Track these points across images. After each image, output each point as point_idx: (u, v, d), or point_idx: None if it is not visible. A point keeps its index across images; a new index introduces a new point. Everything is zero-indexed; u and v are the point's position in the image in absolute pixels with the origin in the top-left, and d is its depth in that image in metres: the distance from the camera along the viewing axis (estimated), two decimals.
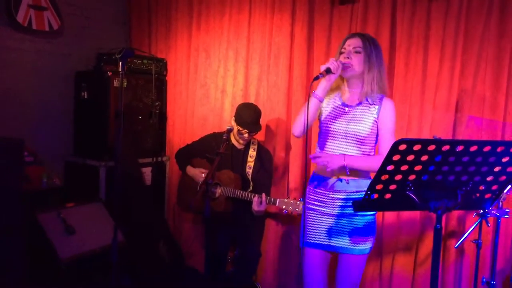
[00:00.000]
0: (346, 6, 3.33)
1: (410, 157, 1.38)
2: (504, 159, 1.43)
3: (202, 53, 4.00)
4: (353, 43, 2.26)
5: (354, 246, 2.26)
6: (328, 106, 2.35)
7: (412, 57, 3.10)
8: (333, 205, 2.29)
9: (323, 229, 2.30)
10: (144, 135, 4.08)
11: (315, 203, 2.34)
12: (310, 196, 2.39)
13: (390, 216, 3.19)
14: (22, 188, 2.97)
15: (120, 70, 2.39)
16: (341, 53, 2.31)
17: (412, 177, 1.45)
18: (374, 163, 2.17)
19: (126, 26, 4.55)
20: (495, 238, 2.37)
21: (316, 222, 2.33)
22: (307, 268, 2.35)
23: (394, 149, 1.35)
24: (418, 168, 1.42)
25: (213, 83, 3.96)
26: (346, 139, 2.26)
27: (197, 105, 4.03)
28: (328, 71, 2.19)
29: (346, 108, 2.29)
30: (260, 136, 3.53)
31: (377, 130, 2.27)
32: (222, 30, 3.88)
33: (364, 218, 2.24)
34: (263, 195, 2.98)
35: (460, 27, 2.93)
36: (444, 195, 1.50)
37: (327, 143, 2.32)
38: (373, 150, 2.32)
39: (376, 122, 2.25)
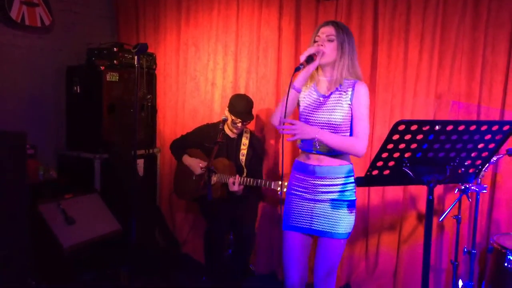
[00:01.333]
0: (331, 2, 3.52)
1: (407, 136, 1.58)
2: (487, 137, 1.65)
3: (192, 47, 4.13)
4: (327, 31, 2.29)
5: (333, 230, 2.28)
6: (305, 97, 2.37)
7: (393, 49, 3.32)
8: (314, 190, 2.32)
9: (304, 213, 2.35)
10: (136, 128, 4.18)
11: (297, 188, 2.39)
12: (293, 182, 2.44)
13: (375, 197, 3.42)
14: (26, 180, 3.06)
15: (136, 64, 2.52)
16: (315, 41, 2.33)
17: (408, 154, 1.65)
18: (344, 142, 2.22)
19: (113, 21, 4.63)
20: (475, 211, 2.62)
21: (298, 206, 2.37)
22: (287, 250, 2.40)
23: (394, 129, 1.55)
24: (413, 146, 1.62)
25: (203, 76, 4.10)
26: (324, 128, 2.26)
27: (188, 98, 4.17)
28: (309, 59, 2.20)
29: (321, 98, 2.31)
30: (251, 125, 3.70)
31: (352, 113, 2.27)
32: (211, 25, 4.02)
33: (344, 203, 2.29)
34: (237, 176, 3.20)
35: (437, 20, 3.16)
36: (435, 170, 1.71)
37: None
38: (348, 133, 2.30)
39: (350, 106, 2.26)
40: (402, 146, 1.62)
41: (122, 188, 3.97)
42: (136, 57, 2.51)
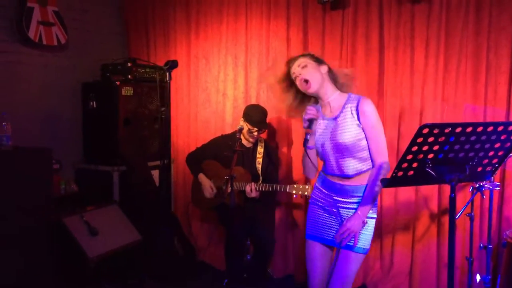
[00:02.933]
0: (337, 12, 3.66)
1: (431, 139, 1.70)
2: (503, 137, 1.77)
3: (202, 59, 4.27)
4: (296, 64, 2.37)
5: (353, 244, 2.32)
6: (317, 127, 2.41)
7: (400, 55, 3.45)
8: (337, 206, 2.39)
9: (325, 224, 2.43)
10: (150, 140, 4.31)
11: (320, 200, 2.46)
12: (316, 193, 2.52)
13: (387, 198, 3.54)
14: (52, 194, 3.17)
15: (167, 80, 2.71)
16: (294, 79, 2.39)
17: (430, 155, 1.77)
18: (376, 182, 2.27)
19: (124, 37, 4.76)
20: (490, 207, 2.74)
21: (320, 217, 2.45)
22: (309, 258, 2.50)
23: (419, 133, 1.67)
24: (436, 147, 1.74)
25: (214, 87, 4.23)
26: (337, 150, 2.33)
27: (200, 109, 4.29)
28: (311, 124, 2.29)
29: (331, 121, 2.36)
30: (263, 134, 3.83)
31: (364, 133, 2.31)
32: (220, 38, 4.16)
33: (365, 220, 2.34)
34: (253, 183, 3.32)
35: (441, 26, 3.30)
36: (455, 169, 1.83)
37: (326, 159, 2.41)
38: (366, 151, 2.33)
39: (360, 126, 2.29)
40: (425, 148, 1.74)
41: (140, 199, 4.09)
42: (167, 73, 2.65)
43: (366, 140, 2.32)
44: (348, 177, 2.36)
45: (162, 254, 3.83)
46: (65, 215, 3.46)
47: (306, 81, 2.33)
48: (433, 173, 1.82)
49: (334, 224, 2.41)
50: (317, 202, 2.49)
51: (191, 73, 4.34)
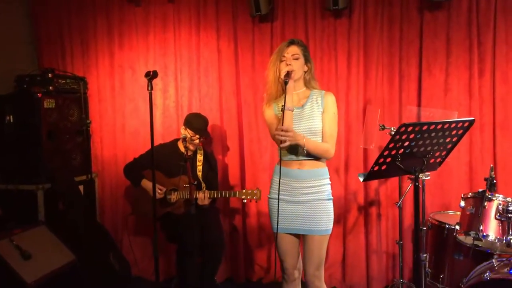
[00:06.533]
0: (266, 24, 3.90)
1: (404, 136, 1.99)
2: (453, 132, 2.14)
3: (128, 69, 4.20)
4: (292, 51, 2.61)
5: (316, 228, 2.55)
6: (281, 112, 2.58)
7: (325, 65, 3.80)
8: (296, 193, 2.60)
9: (288, 215, 2.61)
10: (73, 154, 4.11)
11: (280, 192, 2.59)
12: (274, 186, 2.68)
13: None
14: None
15: (148, 89, 2.82)
16: (281, 60, 2.61)
17: (401, 151, 2.07)
18: (322, 147, 2.57)
19: (32, 46, 4.46)
20: (423, 195, 3.19)
21: (281, 209, 2.61)
22: (280, 248, 2.68)
23: (397, 131, 1.95)
24: (406, 144, 2.04)
25: (142, 97, 4.18)
26: (306, 134, 2.57)
27: (128, 120, 4.21)
28: (288, 75, 2.51)
29: (298, 110, 2.61)
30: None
31: (324, 120, 2.59)
32: (147, 48, 4.14)
33: (323, 203, 2.59)
34: (206, 191, 3.44)
35: (360, 39, 3.72)
36: (416, 162, 2.16)
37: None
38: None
39: (322, 114, 2.59)
40: (398, 145, 2.03)
41: (68, 217, 3.87)
42: (149, 83, 2.64)
43: (323, 127, 2.60)
44: (307, 159, 2.58)
45: (99, 272, 3.69)
46: None
47: (289, 73, 2.52)
48: (402, 166, 2.11)
49: (296, 211, 2.59)
50: (276, 195, 2.62)
51: (116, 83, 4.23)
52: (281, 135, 2.45)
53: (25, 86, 3.84)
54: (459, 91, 3.58)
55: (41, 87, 3.81)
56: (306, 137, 2.54)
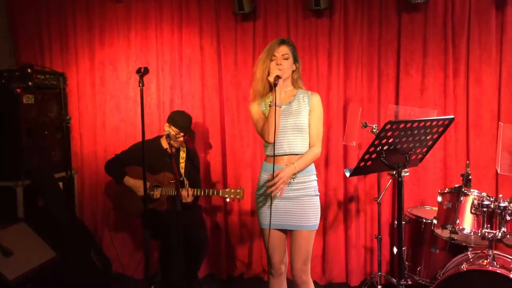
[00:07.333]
0: (248, 23, 3.94)
1: (389, 133, 2.08)
2: (434, 130, 2.24)
3: (109, 66, 4.17)
4: (282, 51, 2.66)
5: (303, 223, 2.60)
6: (268, 109, 2.66)
7: (306, 64, 3.87)
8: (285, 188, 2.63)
9: (275, 211, 2.64)
10: (53, 150, 4.07)
11: (267, 189, 2.61)
12: (261, 183, 2.72)
13: None
14: None
15: (139, 86, 2.77)
16: (271, 60, 2.65)
17: (385, 147, 2.16)
18: (310, 159, 2.64)
19: (9, 41, 4.38)
20: (401, 190, 3.29)
21: (269, 205, 2.64)
22: (271, 245, 2.69)
23: (383, 129, 2.03)
24: (391, 140, 2.13)
25: (123, 94, 4.17)
26: (291, 131, 2.64)
27: (108, 116, 4.18)
28: (277, 78, 2.56)
29: (285, 106, 2.66)
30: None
31: (310, 120, 2.66)
32: (129, 45, 4.12)
33: (310, 198, 2.65)
34: (189, 189, 3.45)
35: (341, 39, 3.81)
36: (399, 158, 2.25)
37: (277, 137, 2.65)
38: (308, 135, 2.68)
39: (308, 113, 2.65)
40: (383, 141, 2.11)
41: (48, 214, 3.83)
42: (140, 79, 2.65)
43: (309, 127, 2.67)
44: (295, 154, 2.64)
45: (80, 268, 3.67)
46: None
47: (278, 77, 2.56)
48: (386, 162, 2.20)
49: (283, 207, 2.64)
50: (264, 191, 2.67)
51: (96, 80, 4.20)
52: (277, 187, 2.54)
53: (3, 81, 3.78)
54: (434, 90, 3.71)
55: (20, 82, 3.76)
56: (295, 163, 2.59)
